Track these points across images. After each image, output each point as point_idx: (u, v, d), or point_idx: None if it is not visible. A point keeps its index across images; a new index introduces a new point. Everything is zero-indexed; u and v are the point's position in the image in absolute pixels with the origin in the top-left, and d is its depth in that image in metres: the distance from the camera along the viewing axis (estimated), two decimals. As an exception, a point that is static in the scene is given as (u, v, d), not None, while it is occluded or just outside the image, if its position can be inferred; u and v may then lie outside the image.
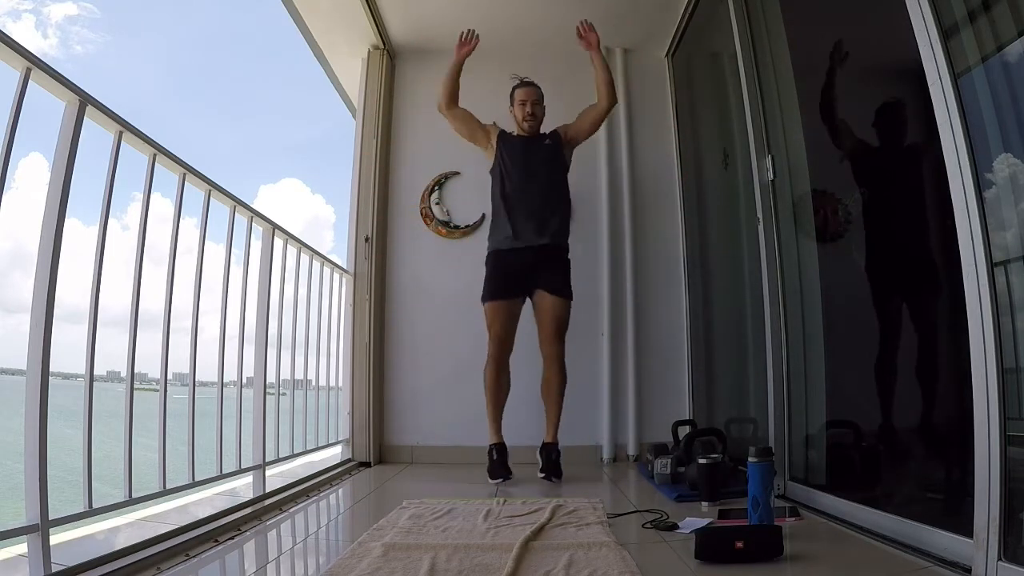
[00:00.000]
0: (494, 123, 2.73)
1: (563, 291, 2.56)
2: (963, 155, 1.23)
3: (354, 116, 3.45)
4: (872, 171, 2.13)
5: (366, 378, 3.00)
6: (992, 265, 1.18)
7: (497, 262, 2.59)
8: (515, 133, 2.71)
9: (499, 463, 2.45)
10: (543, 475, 2.45)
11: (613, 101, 2.65)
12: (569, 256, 2.65)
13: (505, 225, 2.58)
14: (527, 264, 2.55)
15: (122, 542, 1.39)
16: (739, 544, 1.33)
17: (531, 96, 2.67)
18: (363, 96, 3.23)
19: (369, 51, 3.25)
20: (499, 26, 3.14)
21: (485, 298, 2.58)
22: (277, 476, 2.31)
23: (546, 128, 2.72)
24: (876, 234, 2.12)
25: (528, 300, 2.60)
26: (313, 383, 2.78)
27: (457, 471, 2.68)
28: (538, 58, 3.29)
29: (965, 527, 1.22)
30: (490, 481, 2.39)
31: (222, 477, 1.91)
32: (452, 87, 2.66)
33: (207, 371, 1.91)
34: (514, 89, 2.72)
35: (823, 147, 2.14)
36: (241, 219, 2.06)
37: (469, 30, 2.66)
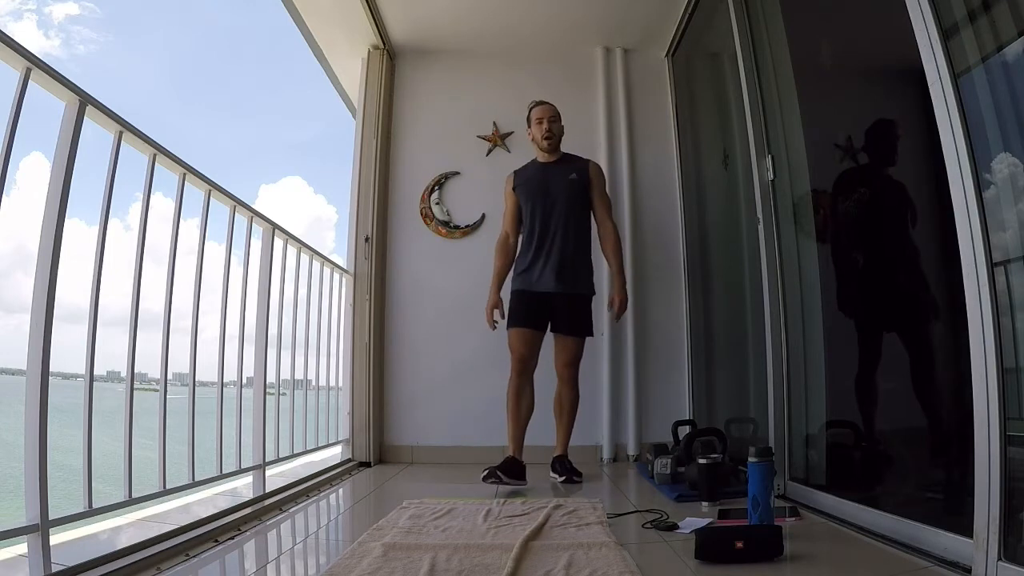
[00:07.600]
0: (508, 178, 2.66)
1: (581, 332, 2.52)
2: (963, 155, 1.23)
3: (354, 116, 3.45)
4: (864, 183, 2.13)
5: (366, 378, 3.00)
6: (992, 265, 1.18)
7: (520, 299, 2.53)
8: (533, 159, 2.64)
9: (502, 467, 2.28)
10: (563, 479, 2.38)
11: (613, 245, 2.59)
12: (593, 296, 2.58)
13: (529, 264, 2.52)
14: (549, 306, 2.50)
15: (122, 542, 1.39)
16: (739, 544, 1.33)
17: (547, 113, 2.57)
18: (363, 96, 3.23)
19: (369, 51, 3.25)
20: (499, 27, 3.15)
21: (509, 324, 2.53)
22: (277, 476, 2.31)
23: (570, 148, 2.65)
24: (873, 238, 2.12)
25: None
26: (313, 383, 2.78)
27: (457, 471, 2.68)
28: (538, 61, 3.30)
29: (965, 527, 1.22)
30: (482, 478, 2.24)
31: (222, 477, 1.91)
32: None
33: (207, 371, 1.91)
34: (530, 110, 2.62)
35: (823, 147, 2.14)
36: (241, 219, 2.06)
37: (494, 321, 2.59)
